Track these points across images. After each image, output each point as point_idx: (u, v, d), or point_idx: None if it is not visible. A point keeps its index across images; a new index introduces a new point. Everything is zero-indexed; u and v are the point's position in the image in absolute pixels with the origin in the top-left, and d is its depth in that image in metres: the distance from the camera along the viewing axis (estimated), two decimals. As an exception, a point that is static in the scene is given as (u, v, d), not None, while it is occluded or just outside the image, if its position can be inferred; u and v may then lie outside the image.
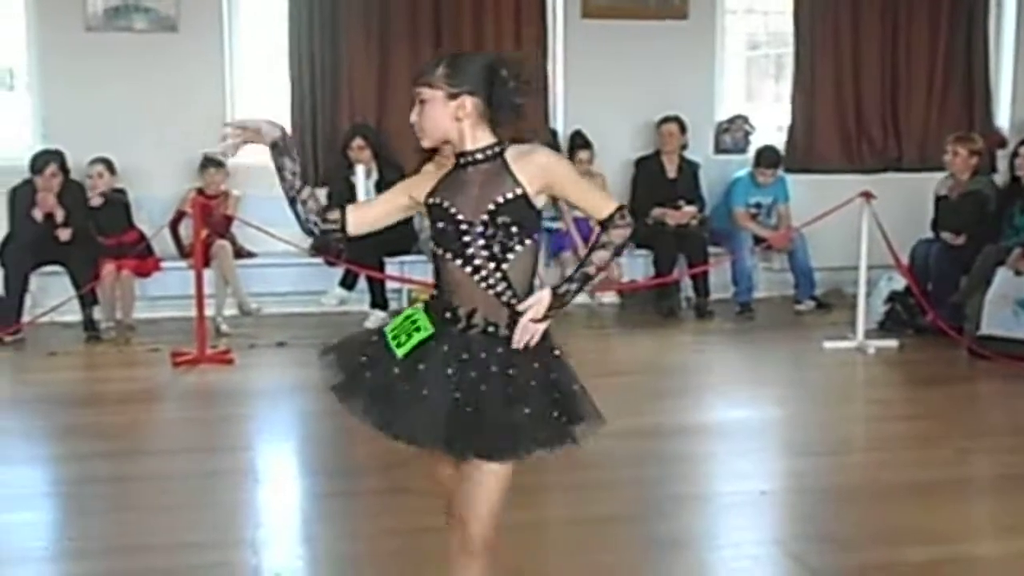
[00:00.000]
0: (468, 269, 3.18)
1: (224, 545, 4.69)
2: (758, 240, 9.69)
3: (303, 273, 9.40)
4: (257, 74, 9.95)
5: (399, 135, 9.55)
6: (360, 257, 8.84)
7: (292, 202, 3.31)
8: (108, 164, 8.91)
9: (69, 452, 6.04)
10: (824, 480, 5.55)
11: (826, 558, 4.53)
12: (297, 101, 9.57)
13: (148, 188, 9.21)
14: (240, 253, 9.11)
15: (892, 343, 8.34)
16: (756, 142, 10.30)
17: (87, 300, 8.61)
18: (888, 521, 4.94)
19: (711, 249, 9.69)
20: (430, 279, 9.76)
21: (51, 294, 8.76)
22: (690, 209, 9.71)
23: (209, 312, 8.32)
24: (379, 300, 9.03)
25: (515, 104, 3.18)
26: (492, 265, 3.17)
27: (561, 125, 10.08)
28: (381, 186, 9.22)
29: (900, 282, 8.76)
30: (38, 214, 8.62)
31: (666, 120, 9.82)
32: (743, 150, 10.39)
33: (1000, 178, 9.73)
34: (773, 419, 6.77)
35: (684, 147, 9.93)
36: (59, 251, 8.64)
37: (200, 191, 9.05)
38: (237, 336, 8.59)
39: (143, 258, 8.86)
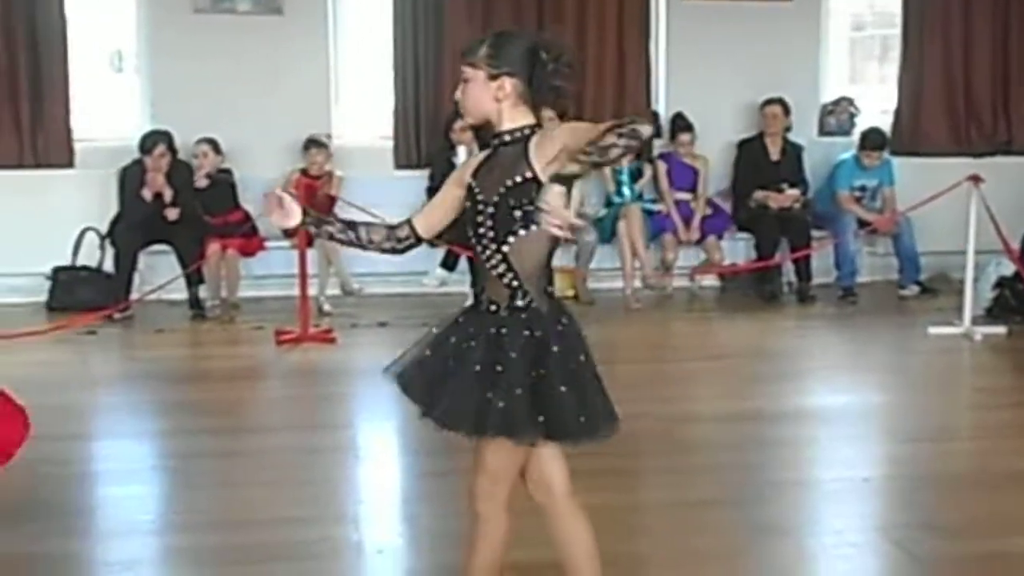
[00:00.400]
0: (479, 248, 3.25)
1: (326, 521, 4.75)
2: (862, 224, 9.56)
3: (405, 254, 9.42)
4: (361, 55, 10.02)
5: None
6: (462, 238, 8.86)
7: (364, 246, 3.43)
8: (213, 144, 9.04)
9: (175, 427, 6.16)
10: (927, 468, 5.47)
11: (929, 546, 4.48)
12: (400, 83, 9.63)
13: (253, 168, 9.32)
14: (343, 233, 9.16)
15: (1000, 329, 8.19)
16: (861, 124, 10.16)
17: (193, 279, 8.75)
18: (993, 510, 4.86)
19: (814, 232, 9.58)
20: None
21: (159, 272, 8.92)
22: (793, 192, 9.61)
23: (312, 292, 8.42)
24: (480, 281, 9.06)
25: (555, 86, 3.19)
26: (494, 246, 3.21)
27: (663, 107, 10.03)
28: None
29: (1009, 267, 8.58)
30: (147, 194, 8.78)
31: (770, 102, 9.71)
32: (848, 132, 10.25)
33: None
34: (876, 405, 6.68)
35: (788, 129, 9.83)
36: (167, 230, 8.80)
37: (304, 171, 9.15)
38: (339, 316, 8.69)
39: (248, 238, 8.98)
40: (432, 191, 9.35)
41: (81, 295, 8.84)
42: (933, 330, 8.18)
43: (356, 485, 5.43)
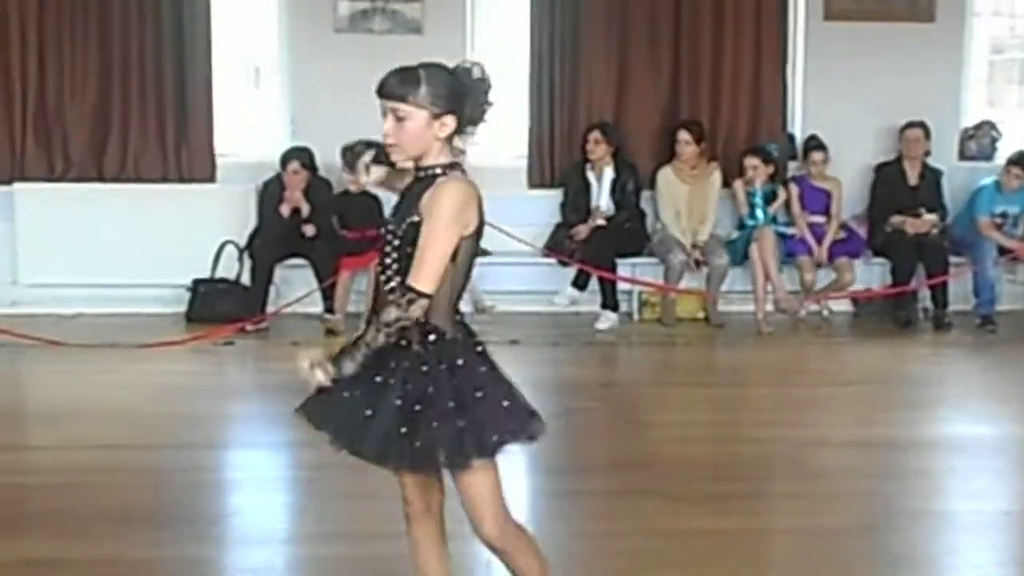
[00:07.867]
0: (385, 280, 3.26)
1: (453, 536, 4.78)
2: (1003, 251, 9.36)
3: (537, 272, 9.49)
4: (497, 75, 10.04)
5: (635, 134, 9.61)
6: (593, 258, 8.91)
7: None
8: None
9: (308, 439, 6.16)
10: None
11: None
12: (536, 100, 9.68)
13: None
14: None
15: None
16: (1003, 149, 9.94)
17: (328, 293, 8.87)
18: None
19: (952, 259, 9.39)
20: (661, 281, 9.68)
21: (295, 286, 9.08)
22: (930, 217, 9.43)
23: (445, 308, 8.45)
24: (610, 301, 9.06)
25: (482, 119, 3.32)
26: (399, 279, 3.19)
27: (799, 130, 9.93)
28: (616, 185, 9.25)
29: None
30: (284, 209, 8.94)
31: (910, 125, 9.54)
32: (989, 157, 10.04)
33: None
34: (1015, 436, 6.49)
35: (927, 154, 9.65)
36: (303, 245, 8.95)
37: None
38: (471, 333, 8.71)
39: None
40: (565, 208, 9.41)
41: (219, 307, 9.01)
42: (1076, 361, 8.00)
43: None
